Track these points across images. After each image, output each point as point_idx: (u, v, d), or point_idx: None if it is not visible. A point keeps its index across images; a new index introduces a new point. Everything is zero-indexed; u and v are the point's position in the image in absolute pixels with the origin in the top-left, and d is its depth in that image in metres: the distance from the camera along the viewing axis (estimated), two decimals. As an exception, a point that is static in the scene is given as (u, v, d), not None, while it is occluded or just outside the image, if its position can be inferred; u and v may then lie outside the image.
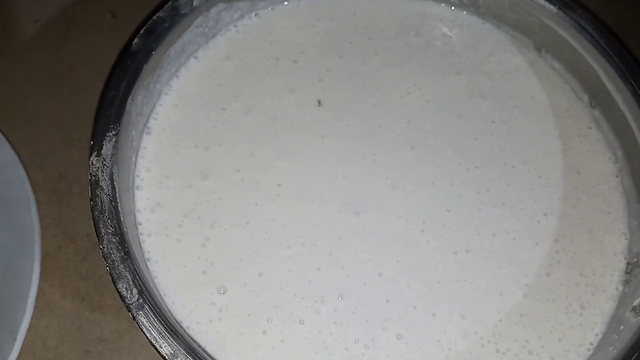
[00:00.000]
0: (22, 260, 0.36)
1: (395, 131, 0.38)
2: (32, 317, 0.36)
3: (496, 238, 0.35)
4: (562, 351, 0.32)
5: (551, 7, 0.39)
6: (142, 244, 0.33)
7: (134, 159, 0.35)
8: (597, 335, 0.33)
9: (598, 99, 0.39)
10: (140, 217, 0.34)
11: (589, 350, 0.33)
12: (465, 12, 0.43)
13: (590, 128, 0.40)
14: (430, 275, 0.34)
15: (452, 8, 0.43)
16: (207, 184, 0.35)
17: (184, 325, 0.31)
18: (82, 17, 0.48)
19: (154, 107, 0.37)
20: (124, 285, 0.27)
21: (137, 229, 0.33)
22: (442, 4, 0.43)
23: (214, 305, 0.32)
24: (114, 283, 0.27)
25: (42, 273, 0.37)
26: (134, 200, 0.34)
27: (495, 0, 0.41)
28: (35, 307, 0.36)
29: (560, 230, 0.36)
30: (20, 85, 0.45)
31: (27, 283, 0.36)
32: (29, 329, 0.35)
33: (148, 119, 0.36)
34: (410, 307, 0.33)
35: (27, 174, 0.40)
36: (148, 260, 0.32)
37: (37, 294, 0.36)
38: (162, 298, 0.31)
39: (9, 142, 0.41)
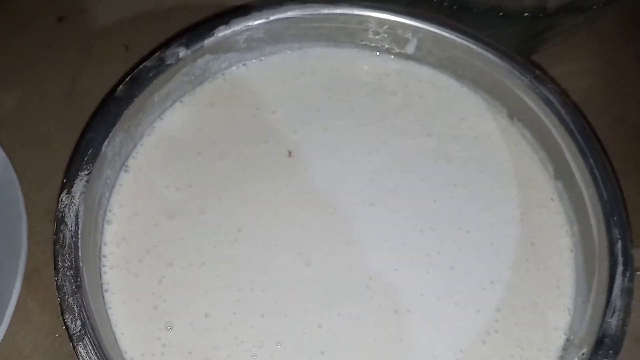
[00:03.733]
0: (5, 275, 0.40)
1: (358, 187, 0.40)
2: (12, 328, 0.39)
3: (439, 301, 0.37)
4: (486, 421, 0.33)
5: (523, 78, 0.41)
6: (103, 275, 0.36)
7: (107, 195, 0.38)
8: (524, 409, 0.34)
9: (562, 171, 0.40)
10: (105, 250, 0.37)
11: (513, 423, 0.33)
12: (444, 75, 0.45)
13: (552, 199, 0.41)
14: (368, 331, 0.35)
15: (432, 69, 0.45)
16: (172, 223, 0.38)
17: (129, 356, 0.34)
18: (98, 47, 0.52)
19: (134, 146, 0.40)
20: (70, 317, 0.30)
21: (100, 260, 0.36)
22: (423, 65, 0.45)
23: (159, 340, 0.34)
24: (62, 313, 0.30)
25: (26, 288, 0.41)
26: (102, 233, 0.37)
27: (472, 66, 0.43)
28: (16, 319, 0.40)
29: (504, 300, 0.37)
30: (33, 110, 0.49)
31: (8, 296, 0.39)
32: (7, 338, 0.39)
33: (127, 157, 0.40)
34: (345, 360, 0.35)
35: (27, 193, 0.43)
36: (106, 291, 0.35)
37: (19, 307, 0.40)
38: (112, 328, 0.34)
39: (12, 164, 0.45)
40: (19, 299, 0.39)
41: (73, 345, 0.30)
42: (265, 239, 0.38)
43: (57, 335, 0.40)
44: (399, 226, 0.39)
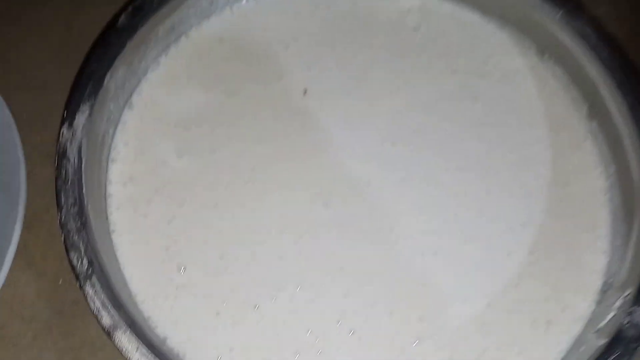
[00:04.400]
0: (4, 219, 0.37)
1: (378, 126, 0.38)
2: (13, 274, 0.37)
3: (467, 244, 0.34)
4: (520, 366, 0.31)
5: (555, 10, 0.38)
6: (109, 216, 0.33)
7: (111, 132, 0.35)
8: (560, 353, 0.32)
9: (596, 110, 0.38)
10: (111, 189, 0.34)
11: (548, 368, 0.32)
12: (469, 10, 0.42)
13: (585, 140, 0.38)
14: (393, 274, 0.33)
15: (456, 4, 0.42)
16: (181, 163, 0.35)
17: (139, 298, 0.31)
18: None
19: (139, 82, 0.37)
20: (75, 255, 0.28)
21: (106, 200, 0.34)
22: (446, 0, 0.42)
23: (172, 282, 0.32)
24: (67, 252, 0.28)
25: (27, 233, 0.38)
26: (107, 172, 0.34)
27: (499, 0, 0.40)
28: (17, 265, 0.37)
29: (536, 243, 0.35)
30: (30, 52, 0.46)
31: (7, 241, 0.37)
32: (9, 284, 0.37)
33: (131, 93, 0.37)
34: (368, 304, 0.32)
35: (25, 136, 0.40)
36: (113, 232, 0.33)
37: (20, 252, 0.37)
38: (121, 270, 0.32)
39: (9, 106, 0.42)
40: (19, 244, 0.37)
41: (80, 284, 0.27)
42: (280, 179, 0.35)
43: (61, 281, 0.38)
44: (423, 167, 0.36)
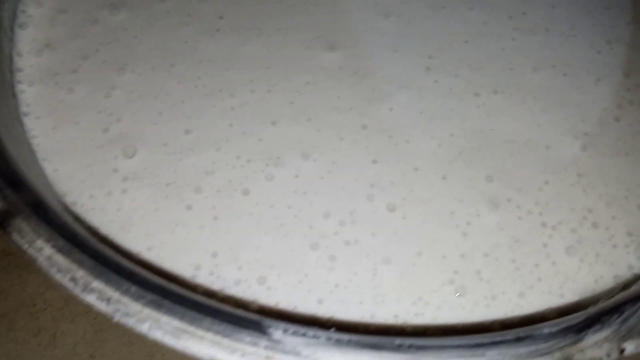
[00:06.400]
0: None
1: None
2: None
3: (538, 74, 0.24)
4: (646, 223, 0.21)
5: None
6: (19, 95, 0.23)
7: (14, -14, 0.25)
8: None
9: None
10: (20, 62, 0.24)
11: (687, 222, 0.21)
12: None
13: None
14: (439, 125, 0.23)
15: None
16: (118, 18, 0.25)
17: (70, 199, 0.21)
18: None
19: None
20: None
21: (13, 75, 0.23)
22: None
23: (117, 173, 0.22)
24: None
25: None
26: (12, 40, 0.24)
27: None
28: None
29: (631, 62, 0.25)
30: None
31: None
32: None
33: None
34: (408, 169, 0.22)
35: None
36: (26, 115, 0.23)
37: None
38: (39, 164, 0.22)
39: None
40: None
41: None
42: (260, 24, 0.25)
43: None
44: (458, -13, 0.26)
